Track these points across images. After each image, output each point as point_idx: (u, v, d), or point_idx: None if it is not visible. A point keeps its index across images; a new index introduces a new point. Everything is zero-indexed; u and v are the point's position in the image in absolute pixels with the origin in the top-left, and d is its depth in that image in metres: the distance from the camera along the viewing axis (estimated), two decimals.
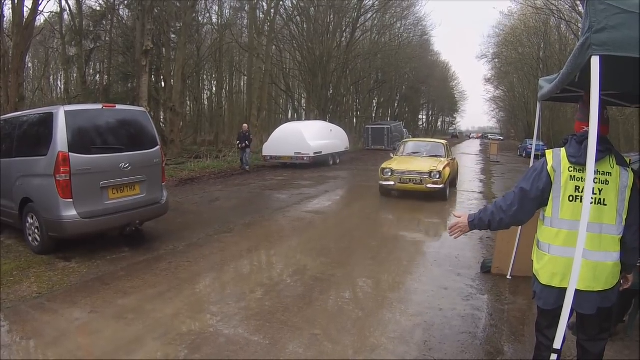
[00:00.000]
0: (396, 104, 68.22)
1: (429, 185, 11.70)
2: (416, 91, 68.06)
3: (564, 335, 2.69)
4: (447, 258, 6.97)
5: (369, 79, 52.45)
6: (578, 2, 28.75)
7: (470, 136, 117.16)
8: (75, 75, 32.67)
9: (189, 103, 40.47)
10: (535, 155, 6.44)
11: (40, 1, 19.06)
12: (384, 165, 12.43)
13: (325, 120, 30.52)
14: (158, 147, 7.76)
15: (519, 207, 2.98)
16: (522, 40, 46.91)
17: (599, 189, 2.82)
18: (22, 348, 4.16)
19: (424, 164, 12.23)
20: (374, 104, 61.66)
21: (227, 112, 44.13)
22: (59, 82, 44.77)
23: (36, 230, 6.78)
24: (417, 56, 57.79)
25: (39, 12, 20.18)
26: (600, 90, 2.53)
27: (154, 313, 4.85)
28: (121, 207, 6.98)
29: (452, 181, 13.75)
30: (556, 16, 35.62)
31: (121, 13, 28.28)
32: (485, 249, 7.55)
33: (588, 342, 3.08)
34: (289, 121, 33.16)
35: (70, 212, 6.40)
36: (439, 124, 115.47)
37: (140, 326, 4.54)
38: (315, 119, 31.50)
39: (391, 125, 38.73)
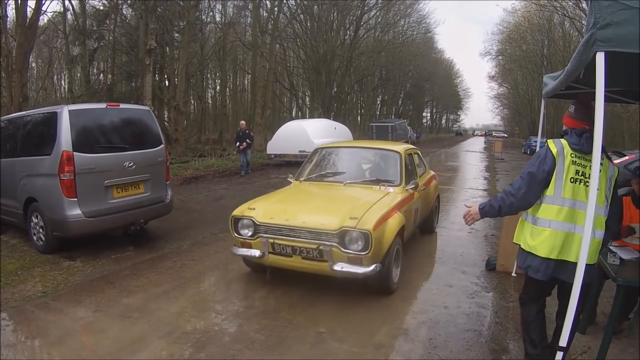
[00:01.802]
0: (400, 102, 68.21)
1: (337, 267, 4.87)
2: (420, 89, 68.03)
3: (570, 333, 2.68)
4: (452, 256, 6.95)
5: (373, 76, 52.46)
6: None
7: (475, 133, 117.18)
8: (78, 74, 32.78)
9: (192, 102, 40.50)
10: None
11: (44, 1, 19.13)
12: (238, 211, 5.53)
13: (329, 118, 30.49)
14: (162, 145, 7.77)
15: (527, 190, 3.29)
16: (526, 37, 46.83)
17: None
18: (26, 347, 4.17)
19: (335, 207, 5.47)
20: (378, 102, 61.71)
21: (231, 110, 44.15)
22: (62, 82, 44.97)
23: (41, 230, 6.80)
24: (420, 54, 57.82)
25: (42, 11, 20.21)
26: (605, 86, 2.53)
27: (158, 312, 4.85)
28: (125, 206, 6.99)
29: (426, 223, 7.86)
30: (560, 13, 35.55)
31: (124, 12, 28.28)
32: (489, 246, 7.53)
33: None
34: (293, 119, 33.13)
35: (75, 211, 6.41)
36: (443, 121, 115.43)
37: (145, 325, 4.55)
38: (319, 117, 31.48)
39: (395, 122, 38.67)
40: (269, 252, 5.25)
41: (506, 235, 6.11)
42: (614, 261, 3.91)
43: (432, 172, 8.53)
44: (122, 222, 7.06)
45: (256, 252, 5.30)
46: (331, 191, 6.28)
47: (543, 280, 3.32)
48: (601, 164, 3.09)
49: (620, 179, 8.75)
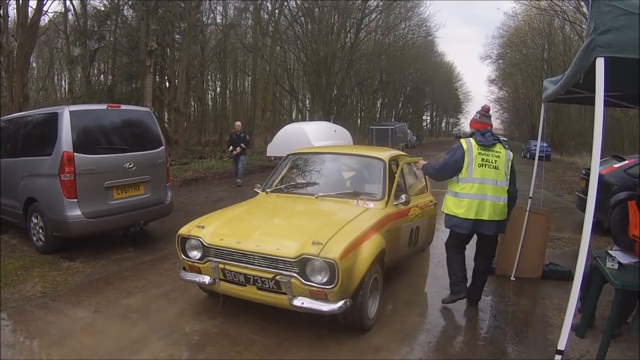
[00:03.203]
0: (400, 105, 68.22)
1: (297, 302, 4.05)
2: (420, 92, 68.05)
3: (568, 336, 2.69)
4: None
5: (373, 79, 52.44)
6: (582, 3, 28.70)
7: None
8: (79, 75, 32.78)
9: (193, 103, 40.46)
10: (539, 156, 6.45)
11: (45, 1, 19.06)
12: (185, 229, 4.77)
13: (329, 121, 30.48)
14: (162, 147, 7.78)
15: (441, 170, 5.02)
16: (526, 41, 46.86)
17: (494, 159, 4.77)
18: (26, 347, 4.17)
19: (298, 227, 4.85)
20: (378, 105, 61.65)
21: (231, 112, 44.05)
22: (63, 82, 44.92)
23: (40, 230, 6.81)
24: (421, 57, 57.83)
25: (44, 12, 20.11)
26: (605, 91, 2.54)
27: (158, 313, 4.87)
28: (126, 207, 6.99)
29: (423, 243, 6.61)
30: (560, 17, 35.57)
31: (125, 13, 28.30)
32: None
33: (482, 262, 5.13)
34: (293, 122, 33.13)
35: (75, 212, 6.42)
36: (443, 124, 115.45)
37: (145, 326, 4.56)
38: (320, 120, 31.46)
39: (395, 126, 38.67)
40: (220, 279, 4.47)
41: (505, 239, 6.12)
42: (612, 265, 3.93)
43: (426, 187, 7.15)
44: (122, 223, 7.07)
45: (206, 279, 4.53)
46: (298, 206, 5.41)
47: (464, 234, 4.87)
48: (499, 152, 4.81)
49: (620, 183, 8.89)
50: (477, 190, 4.70)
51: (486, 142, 4.80)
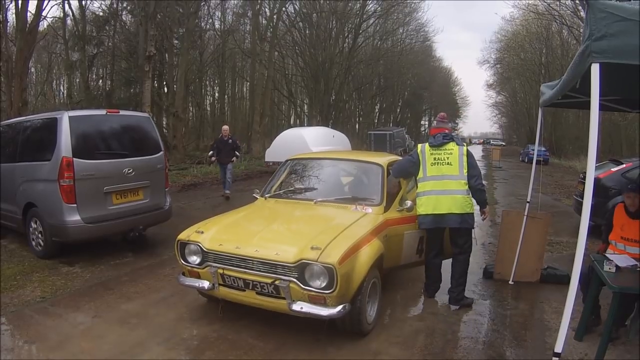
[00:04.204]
0: (398, 110, 68.20)
1: (296, 307, 4.07)
2: (418, 97, 67.97)
3: (565, 339, 2.70)
4: (450, 263, 6.94)
5: (371, 84, 52.42)
6: (579, 8, 28.79)
7: (472, 142, 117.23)
8: (78, 80, 32.75)
9: (191, 109, 40.44)
10: (537, 160, 6.47)
11: (44, 6, 19.11)
12: (184, 235, 4.76)
13: (328, 126, 30.46)
14: (161, 152, 7.80)
15: (400, 168, 5.60)
16: (524, 45, 46.89)
17: (447, 157, 5.18)
18: (25, 352, 4.19)
19: (297, 232, 4.89)
20: (376, 110, 61.65)
21: (230, 117, 44.08)
22: (61, 87, 44.89)
23: (40, 235, 6.81)
24: (419, 62, 57.79)
25: (42, 17, 20.19)
26: (601, 96, 2.56)
27: (157, 318, 4.88)
28: (125, 212, 7.00)
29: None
30: (558, 21, 35.63)
31: (124, 18, 28.33)
32: (487, 254, 7.54)
33: (454, 257, 5.41)
34: (292, 127, 33.12)
35: (74, 217, 6.43)
36: None
37: (144, 331, 4.56)
38: (318, 125, 31.47)
39: (393, 131, 38.70)
40: (219, 284, 4.46)
41: (504, 243, 6.15)
42: (610, 269, 3.95)
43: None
44: (121, 229, 7.08)
45: (205, 284, 4.51)
46: (297, 211, 5.37)
47: (431, 228, 5.22)
48: (452, 149, 5.20)
49: (617, 187, 8.99)
50: (432, 186, 5.16)
51: (435, 142, 5.27)
